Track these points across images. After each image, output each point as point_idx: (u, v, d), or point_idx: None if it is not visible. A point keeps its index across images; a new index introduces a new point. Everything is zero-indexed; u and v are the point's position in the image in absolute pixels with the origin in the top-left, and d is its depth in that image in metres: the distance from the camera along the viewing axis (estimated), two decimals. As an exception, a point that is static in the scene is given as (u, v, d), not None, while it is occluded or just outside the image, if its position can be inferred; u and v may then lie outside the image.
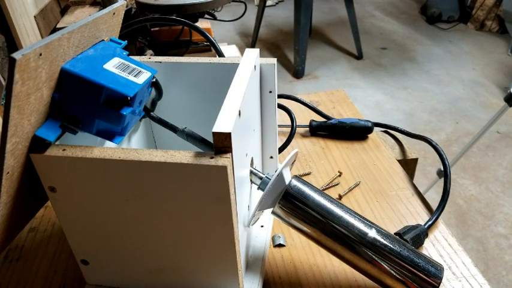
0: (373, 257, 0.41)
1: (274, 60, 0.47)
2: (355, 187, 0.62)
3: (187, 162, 0.33)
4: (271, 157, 0.55)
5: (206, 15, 1.28)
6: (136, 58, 0.48)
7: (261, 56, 0.47)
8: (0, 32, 1.32)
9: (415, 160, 0.69)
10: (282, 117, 0.78)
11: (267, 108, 0.51)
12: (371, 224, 0.42)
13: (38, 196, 0.39)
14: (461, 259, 0.50)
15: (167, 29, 1.33)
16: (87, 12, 1.55)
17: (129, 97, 0.36)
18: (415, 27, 3.32)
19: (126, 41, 0.45)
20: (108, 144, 0.48)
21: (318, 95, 0.86)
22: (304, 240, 0.53)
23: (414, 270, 0.41)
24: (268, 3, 3.81)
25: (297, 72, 2.62)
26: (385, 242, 0.41)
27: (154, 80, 0.47)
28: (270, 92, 0.49)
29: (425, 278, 0.40)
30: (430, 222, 0.53)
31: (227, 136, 0.33)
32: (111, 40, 0.44)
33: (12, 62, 0.29)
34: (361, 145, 0.71)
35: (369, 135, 0.73)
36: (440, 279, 0.41)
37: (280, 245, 0.53)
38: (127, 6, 1.22)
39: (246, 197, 0.42)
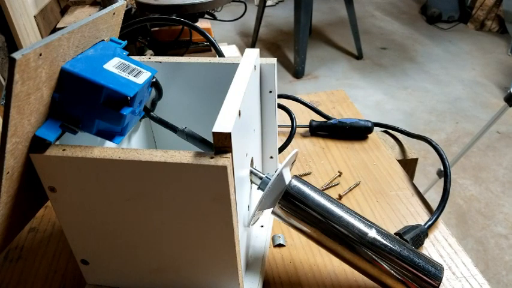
0: (373, 257, 0.41)
1: (274, 60, 0.47)
2: (355, 187, 0.62)
3: (187, 162, 0.33)
4: (271, 157, 0.55)
5: (206, 15, 1.28)
6: (137, 58, 0.48)
7: (261, 56, 0.47)
8: (0, 32, 1.32)
9: (415, 160, 0.69)
10: (282, 117, 0.78)
11: (267, 108, 0.51)
12: (371, 224, 0.42)
13: (38, 196, 0.39)
14: (461, 259, 0.50)
15: (167, 29, 1.33)
16: (87, 12, 1.55)
17: (129, 97, 0.36)
18: (415, 27, 3.32)
19: (126, 41, 0.45)
20: (108, 144, 0.48)
21: (318, 95, 0.86)
22: (304, 240, 0.53)
23: (414, 270, 0.41)
24: (268, 3, 3.81)
25: (297, 72, 2.62)
26: (385, 242, 0.41)
27: (154, 80, 0.47)
28: (270, 92, 0.49)
29: (425, 278, 0.40)
30: (430, 222, 0.53)
31: (227, 136, 0.33)
32: (111, 40, 0.44)
33: (12, 62, 0.29)
34: (361, 145, 0.71)
35: (369, 135, 0.73)
36: (440, 279, 0.41)
37: (280, 245, 0.53)
38: (127, 6, 1.22)
39: (246, 197, 0.42)
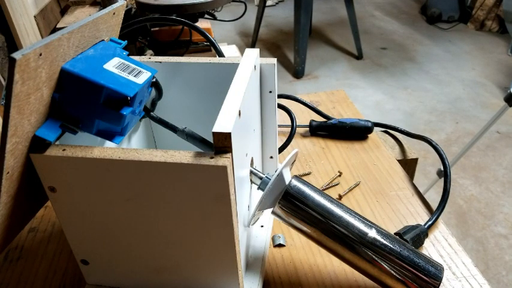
0: (373, 257, 0.41)
1: (274, 60, 0.47)
2: (355, 187, 0.62)
3: (187, 162, 0.33)
4: (271, 157, 0.55)
5: (206, 15, 1.29)
6: (137, 58, 0.48)
7: (261, 56, 0.47)
8: (0, 32, 1.32)
9: (415, 160, 0.69)
10: (282, 117, 0.78)
11: (267, 108, 0.51)
12: (371, 224, 0.42)
13: (38, 196, 0.39)
14: (461, 259, 0.50)
15: (167, 29, 1.33)
16: (87, 12, 1.55)
17: (129, 97, 0.36)
18: (415, 27, 3.32)
19: (126, 41, 0.45)
20: (108, 144, 0.48)
21: (318, 95, 0.86)
22: (304, 240, 0.53)
23: (414, 270, 0.41)
24: (268, 3, 3.81)
25: (297, 72, 2.62)
26: (385, 242, 0.41)
27: (154, 80, 0.47)
28: (270, 92, 0.49)
29: (425, 278, 0.40)
30: (430, 222, 0.53)
31: (227, 136, 0.33)
32: (111, 40, 0.44)
33: (12, 62, 0.29)
34: (361, 145, 0.71)
35: (369, 135, 0.73)
36: (440, 279, 0.41)
37: (280, 245, 0.53)
38: (127, 6, 1.22)
39: (246, 197, 0.42)
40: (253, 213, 0.42)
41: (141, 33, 1.28)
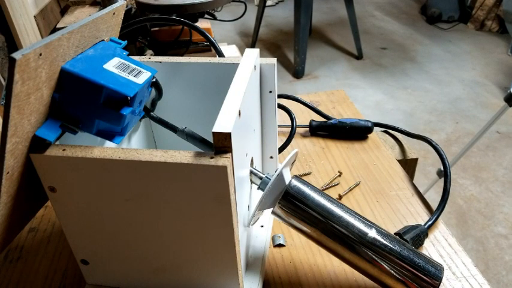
0: (373, 257, 0.41)
1: (274, 60, 0.47)
2: (355, 187, 0.62)
3: (187, 162, 0.33)
4: (271, 157, 0.55)
5: (206, 15, 1.29)
6: (136, 58, 0.48)
7: (261, 56, 0.47)
8: (0, 32, 1.32)
9: (415, 160, 0.69)
10: (282, 117, 0.78)
11: (267, 108, 0.51)
12: (371, 224, 0.42)
13: (38, 196, 0.39)
14: (461, 259, 0.50)
15: (167, 29, 1.33)
16: (87, 12, 1.55)
17: (129, 97, 0.36)
18: (415, 27, 3.32)
19: (126, 41, 0.45)
20: (108, 144, 0.48)
21: (318, 95, 0.86)
22: (304, 240, 0.53)
23: (414, 270, 0.41)
24: (268, 3, 3.81)
25: (297, 72, 2.62)
26: (385, 242, 0.41)
27: (154, 80, 0.47)
28: (270, 92, 0.49)
29: (425, 278, 0.40)
30: (430, 222, 0.53)
31: (227, 136, 0.33)
32: (111, 40, 0.44)
33: (12, 62, 0.29)
34: (361, 145, 0.71)
35: (369, 135, 0.73)
36: (440, 279, 0.41)
37: (280, 245, 0.53)
38: (127, 6, 1.22)
39: (246, 197, 0.42)
40: (253, 213, 0.42)
41: (141, 33, 1.28)
